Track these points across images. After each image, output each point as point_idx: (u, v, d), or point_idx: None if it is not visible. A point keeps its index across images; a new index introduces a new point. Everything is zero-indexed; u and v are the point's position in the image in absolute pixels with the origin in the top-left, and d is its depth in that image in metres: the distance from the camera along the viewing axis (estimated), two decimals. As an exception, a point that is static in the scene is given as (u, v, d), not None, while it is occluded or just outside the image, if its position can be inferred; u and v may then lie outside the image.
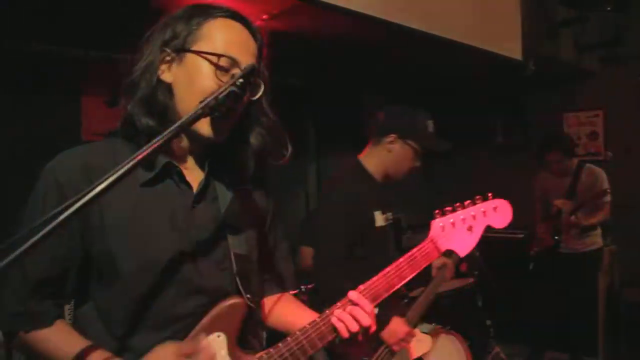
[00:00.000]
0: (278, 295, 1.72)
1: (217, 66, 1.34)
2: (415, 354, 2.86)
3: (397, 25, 3.50)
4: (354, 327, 1.43)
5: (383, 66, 5.25)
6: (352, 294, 1.48)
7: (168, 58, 1.38)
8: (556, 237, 4.92)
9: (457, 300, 4.06)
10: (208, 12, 1.40)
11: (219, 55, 1.34)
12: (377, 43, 4.25)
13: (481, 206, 1.65)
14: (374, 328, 1.48)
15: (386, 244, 2.78)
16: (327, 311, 1.46)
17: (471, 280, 4.31)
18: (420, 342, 2.89)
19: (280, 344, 1.43)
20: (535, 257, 5.09)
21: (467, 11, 4.12)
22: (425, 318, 3.20)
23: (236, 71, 1.35)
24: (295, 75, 5.44)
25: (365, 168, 2.73)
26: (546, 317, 5.03)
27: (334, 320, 1.45)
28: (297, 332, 1.44)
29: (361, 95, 6.06)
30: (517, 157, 6.36)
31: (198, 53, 1.35)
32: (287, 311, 1.68)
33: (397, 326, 2.62)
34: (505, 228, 1.71)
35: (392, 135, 2.68)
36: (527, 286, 5.18)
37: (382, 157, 2.73)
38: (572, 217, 4.77)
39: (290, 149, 1.51)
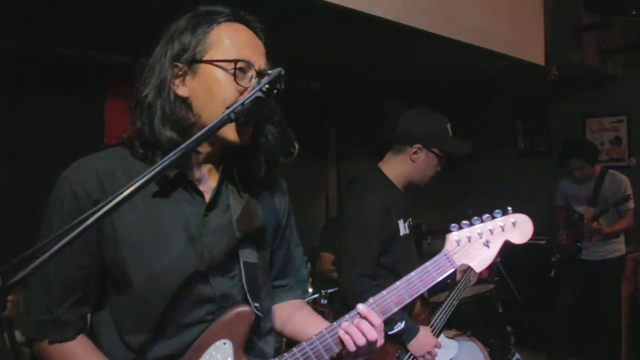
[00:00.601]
0: (291, 302, 1.71)
1: (234, 72, 1.33)
2: None
3: (418, 30, 3.49)
4: (361, 341, 1.41)
5: (405, 70, 5.25)
6: (361, 307, 1.45)
7: (180, 72, 1.37)
8: (578, 244, 4.87)
9: (477, 306, 4.03)
10: (212, 19, 1.38)
11: (235, 61, 1.33)
12: (398, 48, 4.25)
13: (500, 220, 1.60)
14: (381, 342, 1.45)
15: (410, 251, 2.76)
16: (334, 323, 1.45)
17: (492, 286, 4.29)
18: (447, 349, 2.85)
19: (286, 354, 1.43)
20: (556, 264, 5.04)
21: (489, 16, 4.10)
22: (449, 324, 3.19)
23: (252, 73, 1.36)
24: (316, 80, 5.46)
25: (387, 177, 2.70)
26: (567, 325, 4.98)
27: (340, 333, 1.43)
28: (304, 343, 1.43)
29: (383, 99, 6.06)
30: (538, 162, 6.31)
31: (212, 62, 1.34)
32: (298, 319, 1.67)
33: (425, 338, 2.59)
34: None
35: (417, 145, 2.64)
36: (549, 293, 5.14)
37: (405, 166, 2.68)
38: (595, 224, 4.72)
39: (297, 146, 1.52)
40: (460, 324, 3.47)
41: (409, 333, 2.55)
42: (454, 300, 2.87)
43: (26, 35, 3.62)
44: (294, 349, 1.43)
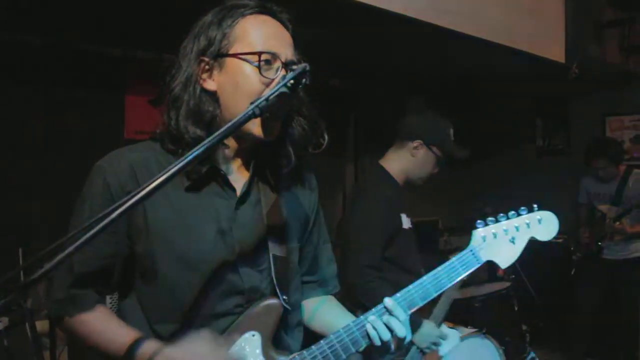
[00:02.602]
0: (320, 297, 1.72)
1: (259, 64, 1.34)
2: (445, 350, 2.93)
3: (439, 27, 3.48)
4: (387, 336, 1.42)
5: (424, 67, 5.22)
6: (388, 301, 1.45)
7: (207, 67, 1.38)
8: (599, 243, 4.83)
9: (493, 304, 4.02)
10: (237, 12, 1.39)
11: (259, 53, 1.34)
12: (418, 45, 4.24)
13: (525, 218, 1.60)
14: (409, 338, 1.46)
15: (413, 245, 2.87)
16: (361, 317, 1.45)
17: (508, 284, 4.27)
18: (449, 338, 2.95)
19: (313, 347, 1.43)
20: (577, 263, 5.01)
21: (509, 13, 4.07)
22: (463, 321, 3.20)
23: (278, 64, 1.36)
24: (335, 76, 5.46)
25: (388, 172, 2.82)
26: (586, 324, 4.94)
27: (368, 327, 1.43)
28: (331, 336, 1.43)
29: (401, 96, 6.04)
30: (557, 161, 6.25)
31: (237, 55, 1.36)
32: (326, 314, 1.68)
33: (428, 330, 2.70)
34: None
35: (418, 141, 2.77)
36: (568, 291, 5.10)
37: (404, 162, 2.82)
38: (617, 224, 4.67)
39: (326, 137, 1.52)
40: (476, 321, 3.47)
41: (413, 325, 2.62)
42: (453, 291, 2.91)
43: (48, 30, 3.67)
44: (322, 341, 1.43)
